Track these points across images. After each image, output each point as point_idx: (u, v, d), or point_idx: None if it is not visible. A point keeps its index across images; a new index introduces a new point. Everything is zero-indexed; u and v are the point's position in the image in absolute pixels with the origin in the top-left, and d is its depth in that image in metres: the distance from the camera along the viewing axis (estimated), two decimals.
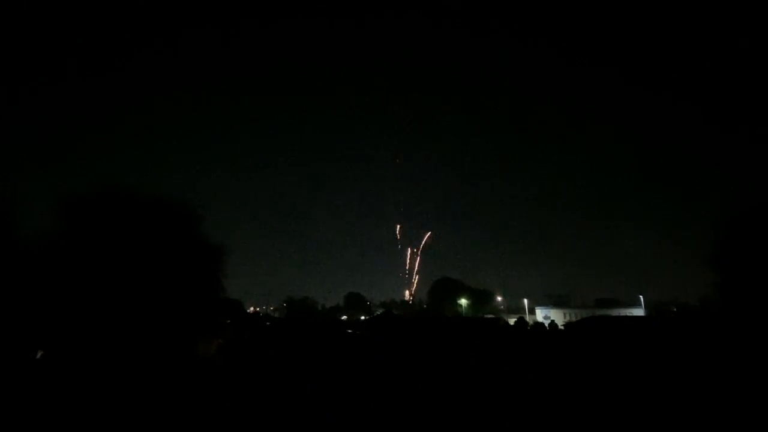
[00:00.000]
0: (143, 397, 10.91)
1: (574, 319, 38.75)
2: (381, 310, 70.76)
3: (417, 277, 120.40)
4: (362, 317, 63.11)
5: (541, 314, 55.22)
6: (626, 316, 37.78)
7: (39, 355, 15.62)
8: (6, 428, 7.92)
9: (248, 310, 63.09)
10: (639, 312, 51.56)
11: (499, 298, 69.02)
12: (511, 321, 41.16)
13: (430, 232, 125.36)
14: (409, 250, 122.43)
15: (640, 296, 55.62)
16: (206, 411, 9.39)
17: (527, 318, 49.26)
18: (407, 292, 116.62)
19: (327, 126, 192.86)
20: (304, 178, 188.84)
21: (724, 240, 18.74)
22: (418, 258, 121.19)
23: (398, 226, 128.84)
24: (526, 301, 59.87)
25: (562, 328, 37.27)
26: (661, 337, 20.85)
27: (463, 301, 59.39)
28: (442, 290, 63.63)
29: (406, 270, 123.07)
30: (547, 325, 40.83)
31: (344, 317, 66.95)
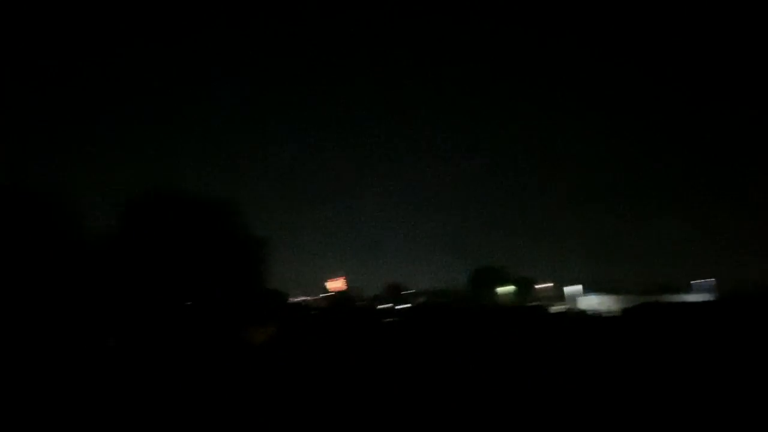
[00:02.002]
0: (198, 380, 11.77)
1: (627, 306, 36.89)
2: (421, 299, 70.94)
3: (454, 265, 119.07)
4: (402, 306, 63.62)
5: (589, 301, 53.01)
6: (685, 302, 35.44)
7: (113, 342, 17.25)
8: (85, 406, 8.89)
9: (294, 300, 65.54)
10: (693, 298, 48.33)
11: (544, 286, 66.96)
12: (557, 309, 39.94)
13: None
14: None
15: (704, 281, 51.91)
16: (252, 395, 9.99)
17: (575, 305, 47.49)
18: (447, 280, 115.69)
19: (373, 112, 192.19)
20: (349, 168, 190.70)
21: None
22: None
23: None
24: (572, 288, 57.62)
25: (613, 314, 35.67)
26: (725, 323, 19.48)
27: (505, 289, 58.23)
28: (482, 278, 62.72)
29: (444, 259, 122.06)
30: (595, 312, 39.23)
31: (384, 306, 67.83)
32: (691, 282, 52.20)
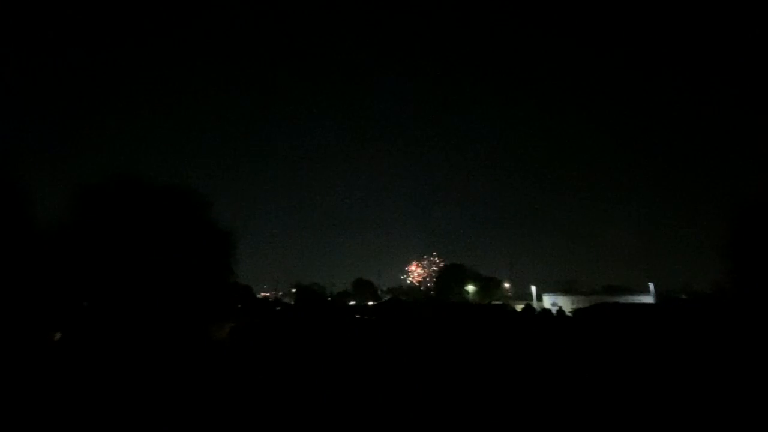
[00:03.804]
0: (157, 377, 11.24)
1: (582, 306, 38.64)
2: (389, 296, 71.37)
3: (424, 264, 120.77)
4: (370, 303, 63.78)
5: (548, 301, 55.24)
6: (636, 303, 37.64)
7: (57, 336, 16.14)
8: (24, 403, 8.26)
9: (258, 295, 64.04)
10: (649, 299, 51.34)
11: (507, 285, 69.17)
12: (519, 308, 41.32)
13: None
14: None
15: (650, 284, 55.29)
16: (218, 390, 9.66)
17: (534, 305, 49.35)
18: (414, 279, 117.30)
19: (332, 111, 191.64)
20: (312, 163, 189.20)
21: (738, 227, 18.46)
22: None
23: None
24: (533, 287, 59.91)
25: (570, 314, 37.29)
26: (673, 325, 20.77)
27: (470, 288, 59.61)
28: (448, 277, 63.90)
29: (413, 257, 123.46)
30: (554, 311, 40.91)
31: (353, 303, 67.68)
32: (650, 284, 55.12)
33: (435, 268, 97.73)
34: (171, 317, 16.22)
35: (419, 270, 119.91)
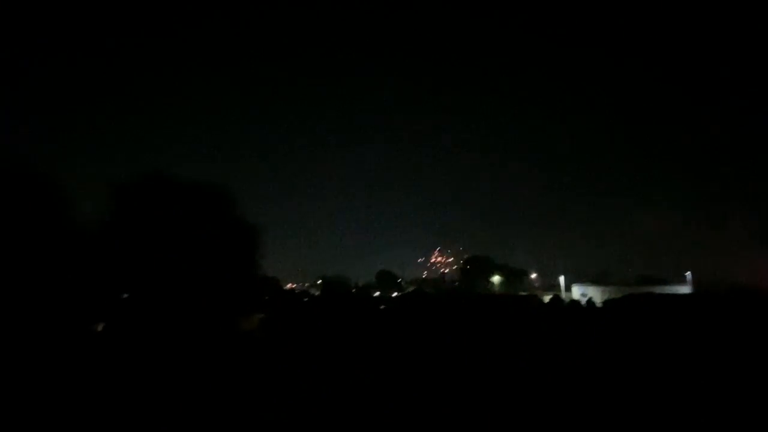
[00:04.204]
0: (193, 365, 11.77)
1: (613, 297, 37.42)
2: (412, 288, 71.49)
3: (448, 255, 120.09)
4: (394, 294, 64.11)
5: (578, 292, 53.78)
6: (672, 294, 36.02)
7: (100, 327, 17.15)
8: (72, 386, 8.85)
9: (285, 287, 65.59)
10: (686, 290, 49.09)
11: (533, 276, 67.86)
12: (546, 299, 40.50)
13: None
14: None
15: (687, 273, 52.79)
16: (248, 380, 10.03)
17: (563, 296, 48.24)
18: (439, 270, 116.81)
19: (355, 106, 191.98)
20: (336, 157, 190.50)
21: None
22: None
23: None
24: (562, 278, 58.41)
25: (601, 305, 36.24)
26: (711, 317, 19.84)
27: (496, 279, 58.89)
28: (473, 268, 63.32)
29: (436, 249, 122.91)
30: (584, 303, 39.85)
31: (377, 294, 68.25)
32: (687, 273, 52.52)
33: (460, 260, 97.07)
34: (202, 309, 16.91)
35: (443, 262, 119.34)
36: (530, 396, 8.08)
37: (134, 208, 17.29)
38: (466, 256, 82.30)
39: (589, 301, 40.09)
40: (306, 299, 46.79)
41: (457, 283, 71.37)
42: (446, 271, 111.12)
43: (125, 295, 17.74)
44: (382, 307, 41.87)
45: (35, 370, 10.55)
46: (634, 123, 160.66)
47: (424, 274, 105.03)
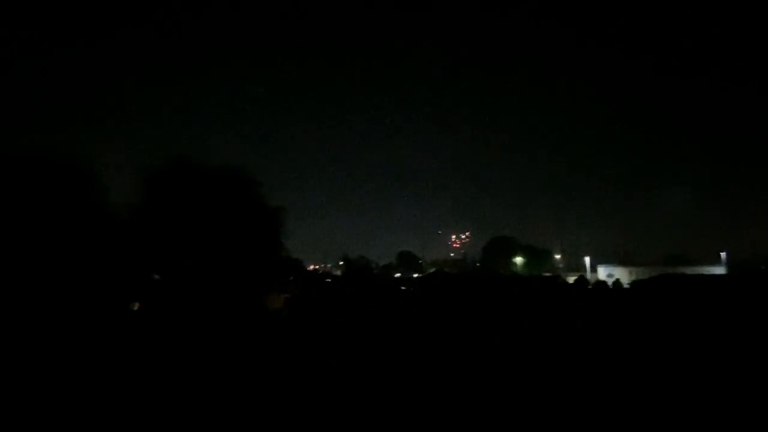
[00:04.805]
0: (223, 341, 12.28)
1: (641, 278, 36.30)
2: (433, 269, 71.63)
3: (470, 236, 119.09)
4: (415, 275, 64.45)
5: (604, 272, 52.58)
6: (704, 275, 34.55)
7: (136, 307, 18.06)
8: (112, 360, 9.39)
9: (308, 268, 66.98)
10: (720, 270, 47.07)
11: (558, 256, 66.63)
12: (571, 280, 39.80)
13: None
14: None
15: (722, 253, 50.56)
16: (277, 356, 10.37)
17: (588, 276, 47.28)
18: (459, 251, 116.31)
19: (375, 88, 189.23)
20: (358, 139, 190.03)
21: None
22: None
23: None
24: (587, 258, 57.16)
25: (628, 287, 35.32)
26: (747, 299, 18.94)
27: (518, 260, 58.16)
28: (496, 249, 62.64)
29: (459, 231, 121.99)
30: (611, 283, 38.97)
31: (398, 275, 68.80)
32: (722, 253, 50.20)
33: (483, 241, 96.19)
34: (229, 289, 17.50)
35: (465, 242, 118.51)
36: (549, 382, 8.02)
37: (164, 191, 17.82)
38: (489, 237, 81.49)
39: (616, 282, 39.17)
40: (328, 280, 47.68)
41: (478, 264, 70.95)
42: (466, 252, 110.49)
43: (157, 277, 18.51)
44: (403, 288, 42.19)
45: (76, 347, 11.26)
46: (659, 99, 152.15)
47: (452, 254, 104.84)
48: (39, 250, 13.14)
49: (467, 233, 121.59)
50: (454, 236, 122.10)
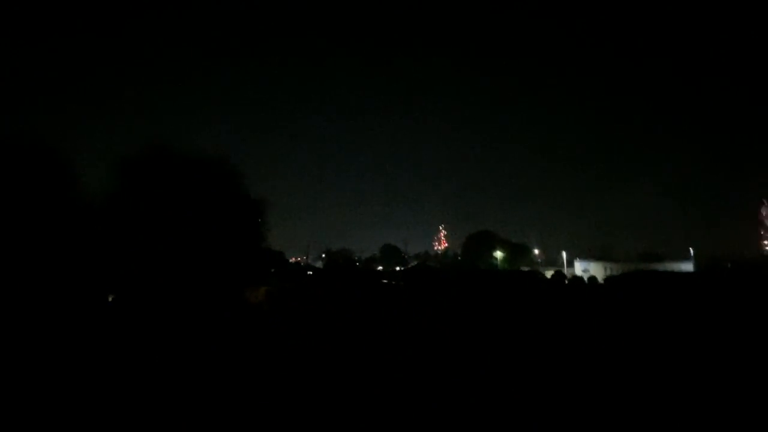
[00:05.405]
0: (200, 334, 12.08)
1: (615, 274, 37.49)
2: (415, 262, 72.13)
3: (452, 231, 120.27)
4: (397, 268, 64.80)
5: (580, 267, 54.06)
6: (675, 272, 36.01)
7: (111, 298, 17.53)
8: (85, 352, 9.13)
9: (290, 260, 66.42)
10: (689, 267, 49.11)
11: (536, 252, 68.07)
12: (548, 274, 40.73)
13: None
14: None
15: (691, 249, 52.79)
16: (255, 349, 10.28)
17: (565, 271, 48.53)
18: (441, 245, 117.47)
19: (360, 80, 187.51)
20: (340, 132, 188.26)
21: None
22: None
23: None
24: (564, 253, 58.61)
25: (602, 282, 36.41)
26: (715, 294, 19.82)
27: (498, 254, 59.13)
28: (476, 243, 63.46)
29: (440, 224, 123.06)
30: (586, 279, 40.08)
31: (380, 268, 69.01)
32: (690, 249, 52.41)
33: (463, 236, 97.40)
34: (208, 281, 17.18)
35: (447, 237, 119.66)
36: (531, 372, 8.23)
37: (142, 180, 17.27)
38: (469, 232, 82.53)
39: (592, 278, 40.27)
40: (310, 272, 47.43)
41: (459, 258, 71.79)
42: (448, 246, 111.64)
43: (132, 267, 18.02)
44: (384, 281, 42.34)
45: (52, 339, 10.88)
46: (637, 98, 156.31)
47: (429, 249, 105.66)
48: (4, 240, 12.59)
49: (446, 227, 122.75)
50: (437, 230, 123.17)
